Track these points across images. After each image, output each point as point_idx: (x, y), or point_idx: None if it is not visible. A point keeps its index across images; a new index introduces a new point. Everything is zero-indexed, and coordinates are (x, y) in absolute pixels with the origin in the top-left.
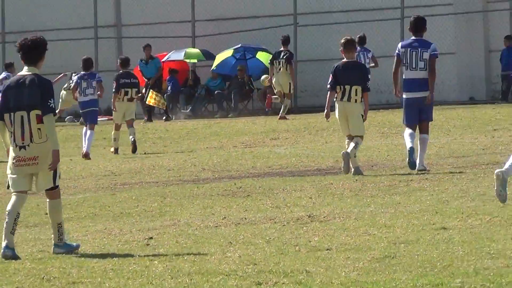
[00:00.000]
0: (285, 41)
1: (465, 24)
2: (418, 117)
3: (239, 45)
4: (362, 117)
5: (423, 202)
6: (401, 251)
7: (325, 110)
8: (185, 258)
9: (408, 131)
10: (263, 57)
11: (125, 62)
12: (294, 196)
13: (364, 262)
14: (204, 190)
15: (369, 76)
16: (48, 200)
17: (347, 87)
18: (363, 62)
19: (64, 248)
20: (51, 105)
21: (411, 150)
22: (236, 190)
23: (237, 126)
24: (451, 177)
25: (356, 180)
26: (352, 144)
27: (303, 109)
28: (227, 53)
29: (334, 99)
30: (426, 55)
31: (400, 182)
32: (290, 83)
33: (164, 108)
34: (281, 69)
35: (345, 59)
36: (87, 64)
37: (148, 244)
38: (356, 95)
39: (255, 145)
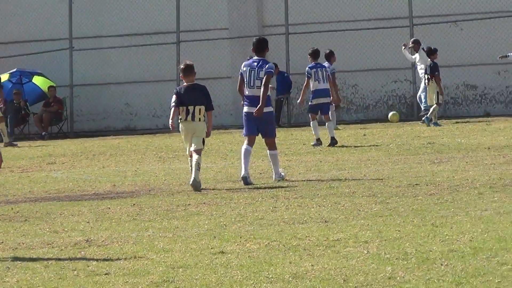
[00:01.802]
0: None
1: (241, 48)
2: (262, 133)
3: (15, 69)
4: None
5: (201, 226)
6: (180, 276)
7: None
8: None
9: (245, 147)
10: (39, 81)
11: None
12: (72, 220)
13: (142, 286)
14: None
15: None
16: None
17: (191, 107)
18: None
19: None
20: None
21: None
22: (14, 215)
23: (14, 151)
24: (229, 202)
25: (134, 204)
26: (194, 169)
27: (80, 133)
28: (3, 77)
29: (179, 120)
30: (262, 74)
31: (178, 207)
32: None
33: None
34: None
35: (185, 83)
36: None
37: None
38: (199, 114)
39: (32, 170)
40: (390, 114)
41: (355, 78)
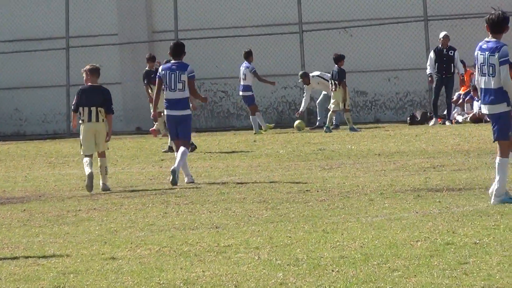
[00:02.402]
0: None
1: (131, 54)
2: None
3: None
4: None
5: (92, 232)
6: (71, 281)
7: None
8: None
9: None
10: None
11: None
12: None
13: None
14: None
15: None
16: None
17: (93, 108)
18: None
19: None
20: None
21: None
22: None
23: None
24: (120, 207)
25: (24, 210)
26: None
27: None
28: None
29: (80, 121)
30: (184, 77)
31: (68, 212)
32: None
33: None
34: None
35: (89, 84)
36: None
37: None
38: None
39: None
40: (297, 122)
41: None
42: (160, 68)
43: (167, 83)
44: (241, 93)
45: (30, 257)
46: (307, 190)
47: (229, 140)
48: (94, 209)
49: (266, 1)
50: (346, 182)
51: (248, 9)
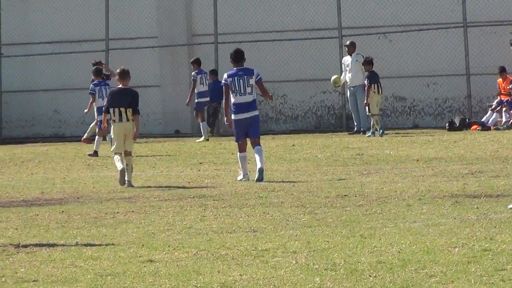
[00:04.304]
0: None
1: (170, 57)
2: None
3: None
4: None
5: (130, 234)
6: (108, 283)
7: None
8: None
9: (241, 154)
10: None
11: None
12: (0, 227)
13: None
14: None
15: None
16: None
17: (122, 109)
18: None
19: None
20: None
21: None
22: None
23: None
24: (158, 210)
25: (62, 211)
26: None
27: (9, 140)
28: None
29: (112, 122)
30: (252, 81)
31: (106, 214)
32: None
33: None
34: None
35: (120, 86)
36: None
37: None
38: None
39: None
40: (334, 77)
41: (284, 89)
42: (226, 76)
43: (236, 89)
44: (202, 99)
45: (68, 259)
46: (345, 195)
47: (267, 144)
48: (132, 211)
49: (306, 6)
50: (384, 187)
51: (287, 13)
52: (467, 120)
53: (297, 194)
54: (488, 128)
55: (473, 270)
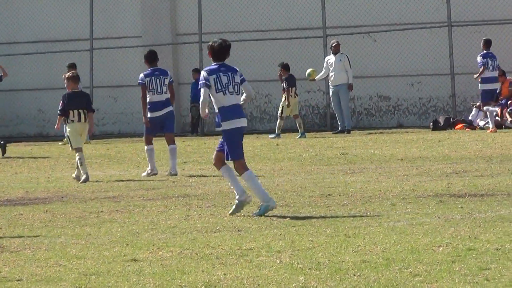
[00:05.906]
0: None
1: None
2: None
3: None
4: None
5: (114, 233)
6: (92, 283)
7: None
8: None
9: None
10: None
11: None
12: None
13: None
14: None
15: None
16: None
17: (81, 110)
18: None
19: None
20: None
21: None
22: None
23: None
24: (142, 209)
25: (46, 211)
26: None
27: None
28: None
29: (69, 122)
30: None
31: (90, 214)
32: None
33: None
34: None
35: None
36: None
37: None
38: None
39: None
40: (309, 70)
41: (269, 88)
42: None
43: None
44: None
45: (52, 258)
46: (329, 194)
47: (251, 144)
48: (116, 210)
49: (290, 5)
50: (368, 186)
51: (272, 12)
52: (451, 119)
53: (281, 194)
54: (474, 128)
55: (457, 269)
